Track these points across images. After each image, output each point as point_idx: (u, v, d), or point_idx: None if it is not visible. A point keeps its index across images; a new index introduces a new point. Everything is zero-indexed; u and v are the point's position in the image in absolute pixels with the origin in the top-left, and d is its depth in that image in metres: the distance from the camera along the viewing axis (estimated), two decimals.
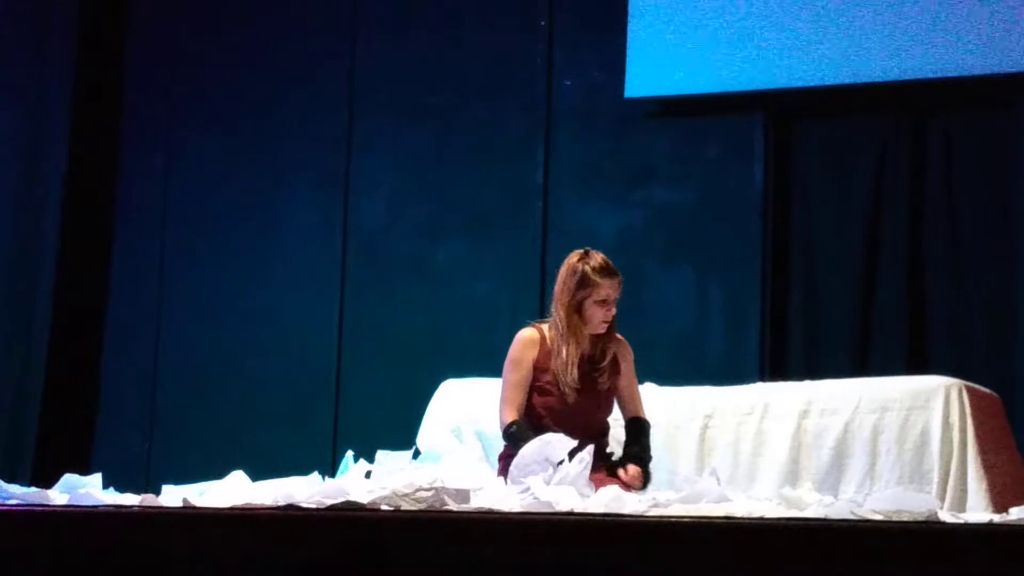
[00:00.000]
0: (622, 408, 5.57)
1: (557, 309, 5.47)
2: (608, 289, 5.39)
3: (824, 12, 7.16)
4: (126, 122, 8.43)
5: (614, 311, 5.42)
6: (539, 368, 5.46)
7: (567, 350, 5.41)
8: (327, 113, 8.07)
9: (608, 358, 5.46)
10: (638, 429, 5.51)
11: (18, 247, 8.13)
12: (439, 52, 7.93)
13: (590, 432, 5.37)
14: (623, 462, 5.37)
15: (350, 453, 5.59)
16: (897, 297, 7.07)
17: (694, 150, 7.48)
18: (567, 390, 5.40)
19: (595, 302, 5.40)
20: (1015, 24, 6.86)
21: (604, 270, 5.40)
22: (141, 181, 8.36)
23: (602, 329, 5.43)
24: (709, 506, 4.54)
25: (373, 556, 3.91)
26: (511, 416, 5.41)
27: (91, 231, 8.29)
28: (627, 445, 5.47)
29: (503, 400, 5.47)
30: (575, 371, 5.40)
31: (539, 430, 5.26)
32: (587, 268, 5.41)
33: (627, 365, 5.54)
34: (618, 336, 5.54)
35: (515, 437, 5.32)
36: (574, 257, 5.47)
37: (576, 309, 5.42)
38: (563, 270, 5.48)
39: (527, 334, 5.51)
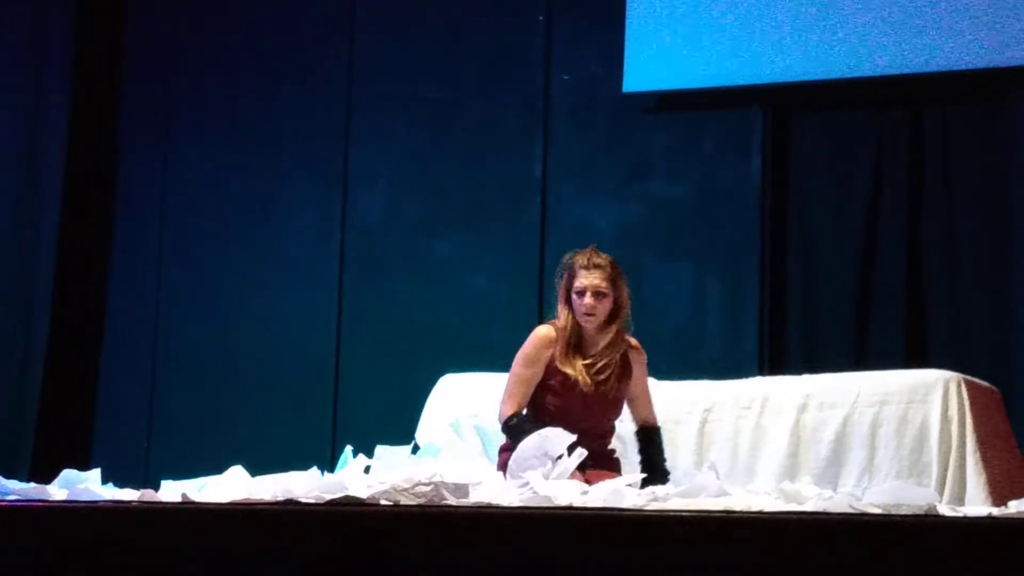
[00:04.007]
0: (632, 412, 5.56)
1: (558, 304, 5.52)
2: (584, 279, 5.42)
3: (822, 6, 7.16)
4: (124, 118, 8.41)
5: (589, 301, 5.39)
6: (551, 368, 5.45)
7: (564, 342, 5.43)
8: (325, 108, 8.06)
9: (609, 358, 5.43)
10: (648, 440, 5.50)
11: (17, 244, 8.12)
12: (437, 47, 7.92)
13: (595, 433, 5.38)
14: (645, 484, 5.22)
15: (349, 448, 5.59)
16: (895, 290, 7.07)
17: (692, 144, 7.47)
18: (582, 381, 5.38)
19: (575, 292, 5.43)
20: (1012, 18, 6.86)
21: (583, 261, 5.45)
22: (139, 177, 8.35)
23: (586, 321, 5.42)
24: (708, 500, 4.55)
25: (372, 551, 3.92)
26: (512, 409, 5.41)
27: (90, 226, 8.28)
28: (641, 461, 5.44)
29: (507, 393, 5.46)
30: (579, 363, 5.40)
31: (540, 426, 5.26)
32: (571, 258, 5.49)
33: (639, 369, 5.53)
34: (631, 342, 5.52)
35: (515, 430, 5.32)
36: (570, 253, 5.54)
37: (567, 301, 5.47)
38: None
39: (544, 332, 5.50)
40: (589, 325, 5.44)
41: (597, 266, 5.44)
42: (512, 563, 3.95)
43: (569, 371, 5.41)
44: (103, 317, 8.31)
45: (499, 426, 5.51)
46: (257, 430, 7.76)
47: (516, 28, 7.79)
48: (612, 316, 5.46)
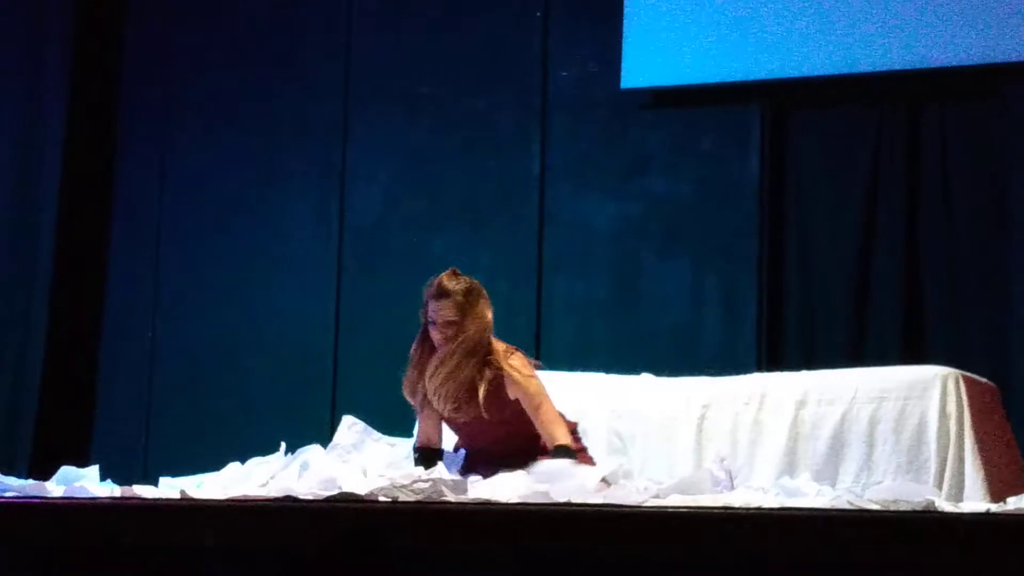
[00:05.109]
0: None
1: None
2: (431, 311, 5.28)
3: (820, 2, 7.16)
4: (121, 115, 8.41)
5: (439, 333, 5.26)
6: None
7: (409, 371, 5.37)
8: (322, 104, 8.06)
9: (478, 386, 5.25)
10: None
11: (14, 240, 8.13)
12: (434, 43, 7.92)
13: (496, 457, 5.22)
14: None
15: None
16: (893, 287, 7.07)
17: (690, 141, 7.47)
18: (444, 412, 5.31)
19: (429, 323, 5.32)
20: (1010, 13, 6.86)
21: (429, 291, 5.31)
22: (137, 175, 8.35)
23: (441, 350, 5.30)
24: (707, 497, 4.55)
25: (370, 547, 3.91)
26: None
27: (87, 223, 8.28)
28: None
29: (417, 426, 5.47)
30: (417, 395, 5.34)
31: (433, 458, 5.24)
32: (428, 285, 5.35)
33: (519, 395, 5.28)
34: (509, 368, 5.28)
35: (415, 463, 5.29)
36: None
37: (423, 330, 5.36)
38: None
39: (409, 363, 5.43)
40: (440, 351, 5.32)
41: (439, 295, 5.30)
42: (511, 560, 3.95)
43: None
44: (101, 314, 8.30)
45: None
46: (255, 427, 7.75)
47: (513, 25, 7.78)
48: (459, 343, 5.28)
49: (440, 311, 5.28)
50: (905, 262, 7.08)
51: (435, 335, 5.30)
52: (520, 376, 5.29)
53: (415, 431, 5.48)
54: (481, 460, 5.24)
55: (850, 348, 7.04)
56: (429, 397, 5.33)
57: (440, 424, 5.43)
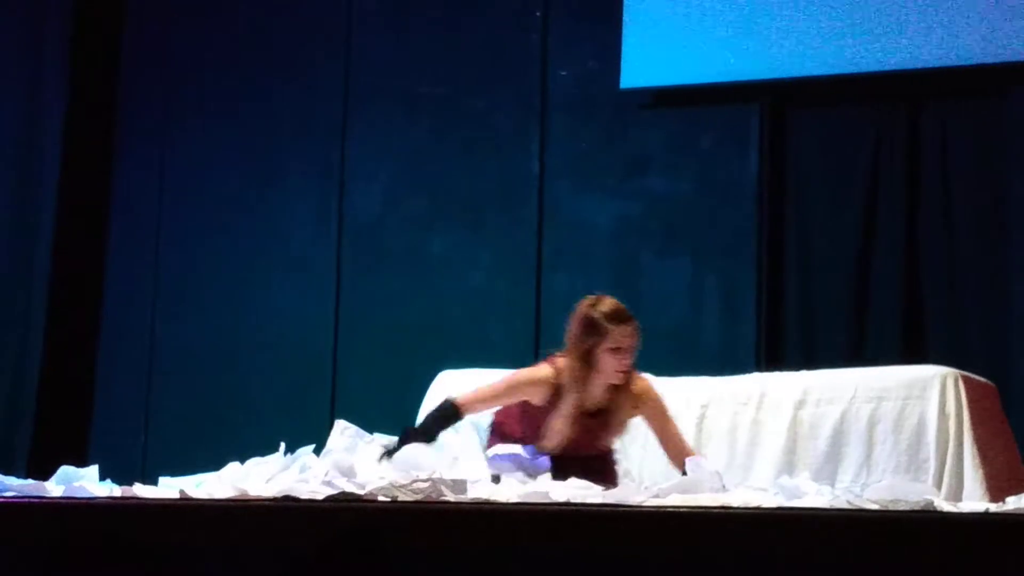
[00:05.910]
0: (670, 458, 5.32)
1: (567, 357, 5.24)
2: (619, 336, 5.13)
3: (819, 1, 7.16)
4: (121, 113, 8.42)
5: (628, 360, 5.16)
6: (542, 411, 5.28)
7: (568, 403, 5.23)
8: (322, 104, 8.06)
9: (617, 414, 5.26)
10: None
11: (14, 239, 8.13)
12: (434, 42, 7.92)
13: (582, 461, 5.23)
14: None
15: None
16: (893, 286, 7.07)
17: (690, 140, 7.48)
18: (564, 441, 5.24)
19: (608, 350, 5.15)
20: (1011, 13, 6.86)
21: (615, 316, 5.15)
22: (136, 174, 8.35)
23: (617, 379, 5.17)
24: (706, 496, 4.55)
25: (370, 547, 3.91)
26: (463, 403, 5.30)
27: (86, 222, 8.28)
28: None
29: (478, 391, 5.36)
30: (574, 427, 5.23)
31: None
32: (596, 314, 5.16)
33: (655, 421, 5.31)
34: (643, 390, 5.28)
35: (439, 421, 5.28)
36: (584, 303, 5.24)
37: (585, 358, 5.17)
38: (573, 316, 5.25)
39: (542, 376, 5.24)
40: (618, 382, 5.19)
41: (628, 319, 5.17)
42: (510, 559, 3.95)
43: (562, 429, 5.24)
44: (100, 313, 8.30)
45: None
46: (254, 426, 7.76)
47: (513, 24, 7.79)
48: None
49: (629, 337, 5.15)
50: (905, 262, 7.08)
51: (616, 362, 5.15)
52: (660, 398, 5.31)
53: (484, 408, 5.39)
54: (573, 466, 5.12)
55: (850, 348, 7.04)
56: (566, 427, 5.22)
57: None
